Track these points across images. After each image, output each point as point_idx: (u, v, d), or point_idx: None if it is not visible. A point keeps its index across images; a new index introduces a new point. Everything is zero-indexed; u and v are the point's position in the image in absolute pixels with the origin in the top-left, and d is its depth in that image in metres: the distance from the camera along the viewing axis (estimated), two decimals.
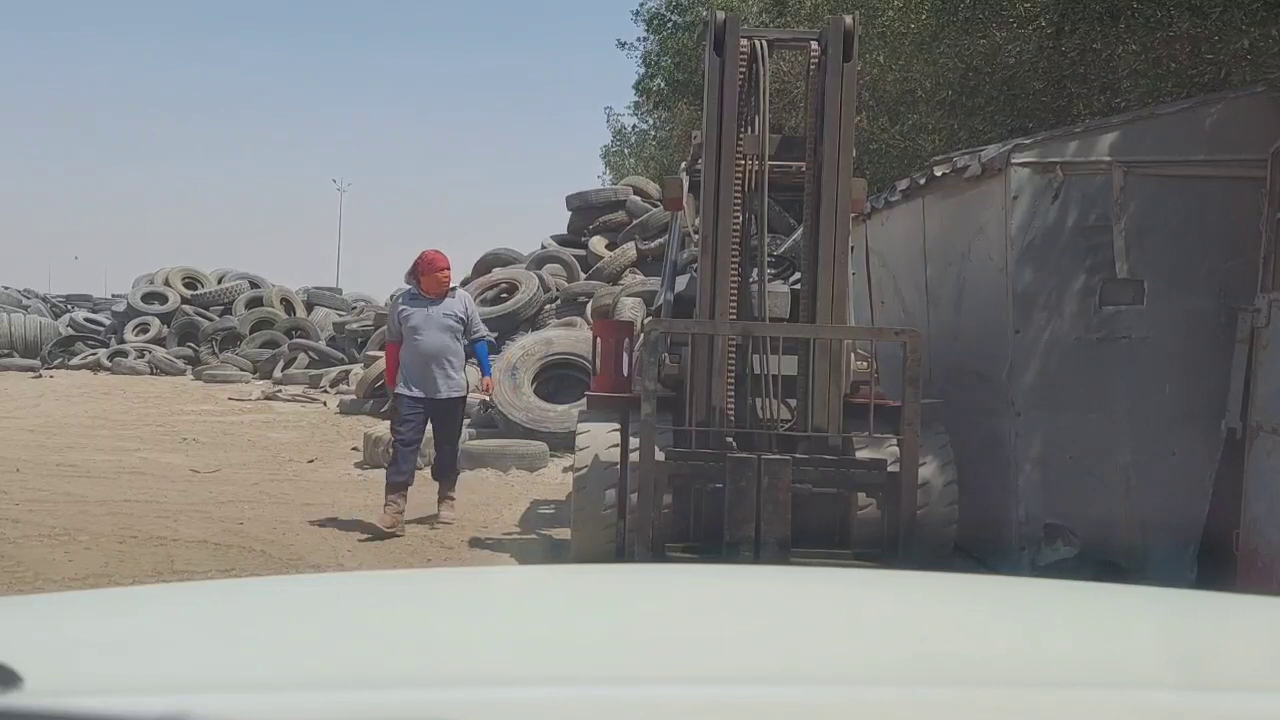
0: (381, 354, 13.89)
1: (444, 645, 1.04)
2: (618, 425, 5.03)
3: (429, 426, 6.55)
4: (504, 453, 8.53)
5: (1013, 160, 5.30)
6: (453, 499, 6.62)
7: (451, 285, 6.58)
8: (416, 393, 6.39)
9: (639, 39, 17.38)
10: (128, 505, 6.80)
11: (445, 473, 6.61)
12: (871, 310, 5.76)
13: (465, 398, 6.72)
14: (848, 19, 4.54)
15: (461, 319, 6.51)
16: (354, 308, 22.05)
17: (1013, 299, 5.32)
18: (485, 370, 6.99)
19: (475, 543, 6.05)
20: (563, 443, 7.98)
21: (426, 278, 6.41)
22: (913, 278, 6.77)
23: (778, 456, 4.20)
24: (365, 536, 6.13)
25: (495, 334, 12.90)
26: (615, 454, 4.90)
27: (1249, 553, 4.78)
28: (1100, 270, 5.24)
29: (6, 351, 20.40)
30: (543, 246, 16.18)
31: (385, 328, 6.88)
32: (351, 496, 7.32)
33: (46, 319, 22.80)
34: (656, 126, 23.49)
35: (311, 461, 9.04)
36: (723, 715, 0.80)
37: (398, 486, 6.28)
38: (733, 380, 4.58)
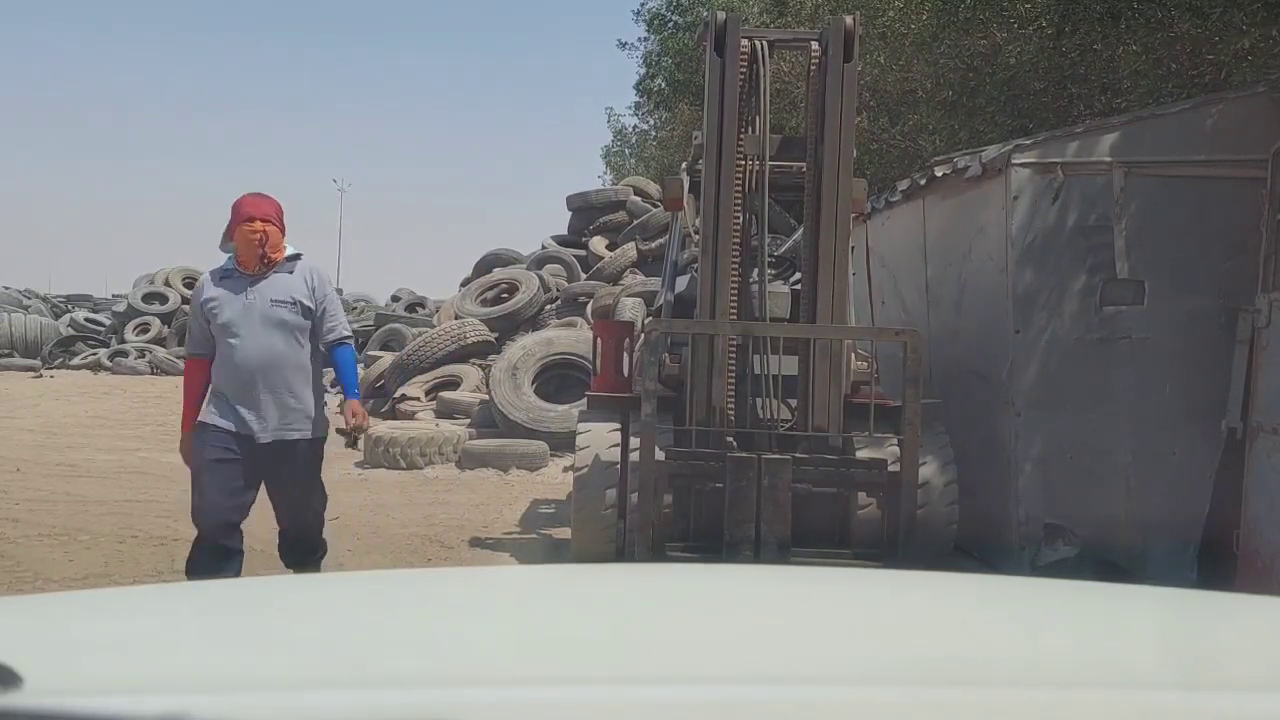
0: (383, 354, 13.90)
1: (444, 645, 1.04)
2: (618, 425, 5.03)
3: (260, 489, 4.08)
4: (504, 452, 8.54)
5: (1013, 161, 5.30)
6: None
7: (292, 251, 4.09)
8: (227, 425, 3.97)
9: (639, 39, 17.40)
10: (128, 505, 6.80)
11: (299, 560, 4.20)
12: (872, 310, 5.76)
13: (323, 440, 4.18)
14: (848, 19, 4.54)
15: (306, 305, 4.04)
16: (354, 308, 22.05)
17: (1013, 299, 5.32)
18: (350, 389, 4.26)
19: (475, 543, 6.05)
20: (563, 443, 7.99)
21: (238, 235, 4.00)
22: (913, 278, 6.76)
23: (778, 456, 4.20)
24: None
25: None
26: (615, 454, 4.90)
27: (1249, 553, 4.77)
28: (1101, 270, 5.24)
29: (7, 351, 20.40)
30: (543, 247, 16.20)
31: (189, 329, 4.44)
32: (351, 496, 7.32)
33: (47, 319, 22.81)
34: (657, 127, 23.50)
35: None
36: (723, 715, 0.80)
37: None
38: (733, 380, 4.58)
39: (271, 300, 4.00)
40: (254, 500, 4.07)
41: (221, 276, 4.08)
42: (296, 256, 4.11)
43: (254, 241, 3.97)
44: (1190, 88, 7.72)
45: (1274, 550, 4.61)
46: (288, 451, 4.02)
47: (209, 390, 4.07)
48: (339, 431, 4.24)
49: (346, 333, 4.26)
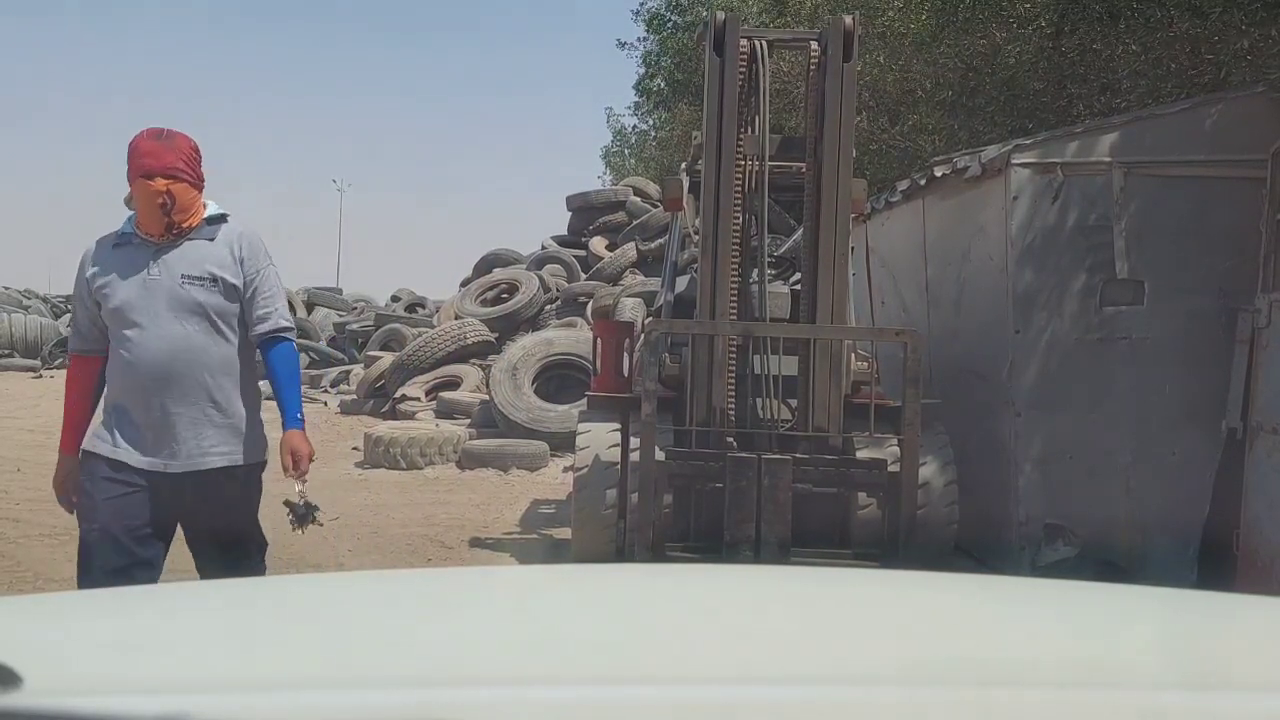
0: (383, 354, 13.84)
1: (444, 645, 1.04)
2: (618, 425, 5.04)
3: (176, 532, 3.02)
4: (504, 453, 8.54)
5: (1013, 161, 5.30)
6: None
7: (215, 211, 3.00)
8: (125, 454, 2.89)
9: (639, 39, 17.43)
10: None
11: None
12: (872, 310, 5.76)
13: (260, 466, 3.13)
14: (848, 19, 4.54)
15: (230, 283, 2.96)
16: (354, 308, 22.05)
17: (1013, 299, 5.32)
18: (291, 414, 3.05)
19: (475, 543, 6.05)
20: (563, 443, 7.99)
21: (135, 190, 2.90)
22: (913, 278, 6.76)
23: (778, 456, 4.20)
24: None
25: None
26: (615, 454, 4.91)
27: (1249, 553, 4.77)
28: (1100, 270, 5.24)
29: (6, 351, 20.41)
30: (543, 247, 16.21)
31: (73, 317, 3.44)
32: (351, 496, 7.32)
33: (47, 319, 22.82)
34: (657, 127, 23.50)
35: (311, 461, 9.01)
36: (723, 715, 0.80)
37: None
38: (733, 380, 4.58)
39: (183, 276, 2.92)
40: (165, 554, 2.97)
41: (115, 244, 2.97)
42: (221, 218, 3.01)
43: (156, 205, 2.86)
44: (1189, 88, 7.72)
45: (1274, 550, 4.61)
46: (211, 484, 2.94)
47: (101, 403, 3.03)
48: (286, 504, 3.09)
49: (285, 323, 3.07)
